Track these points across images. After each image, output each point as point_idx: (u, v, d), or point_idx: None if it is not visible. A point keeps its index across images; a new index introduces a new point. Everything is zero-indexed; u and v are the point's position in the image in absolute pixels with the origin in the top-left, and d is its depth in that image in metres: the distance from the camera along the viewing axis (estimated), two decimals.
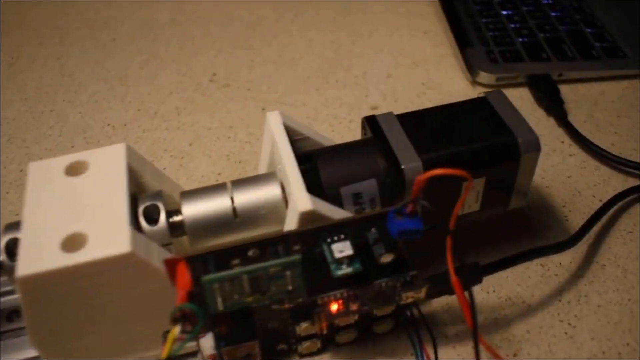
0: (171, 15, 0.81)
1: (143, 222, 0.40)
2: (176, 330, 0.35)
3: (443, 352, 0.46)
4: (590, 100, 0.66)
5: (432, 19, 0.79)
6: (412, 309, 0.47)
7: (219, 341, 0.41)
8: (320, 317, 0.40)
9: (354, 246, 0.38)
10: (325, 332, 0.44)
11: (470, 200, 0.44)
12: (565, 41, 0.69)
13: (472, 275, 0.41)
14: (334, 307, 0.40)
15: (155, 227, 0.40)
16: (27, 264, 0.36)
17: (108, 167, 0.41)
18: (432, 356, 0.45)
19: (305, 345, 0.45)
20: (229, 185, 0.42)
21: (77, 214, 0.38)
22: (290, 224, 0.39)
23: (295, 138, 0.45)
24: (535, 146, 0.43)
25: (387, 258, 0.38)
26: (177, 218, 0.42)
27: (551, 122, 0.63)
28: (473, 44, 0.69)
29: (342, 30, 0.78)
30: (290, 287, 0.37)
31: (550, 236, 0.53)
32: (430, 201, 0.40)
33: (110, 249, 0.36)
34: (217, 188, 0.42)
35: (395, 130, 0.43)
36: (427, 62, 0.72)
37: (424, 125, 0.44)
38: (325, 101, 0.67)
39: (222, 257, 0.37)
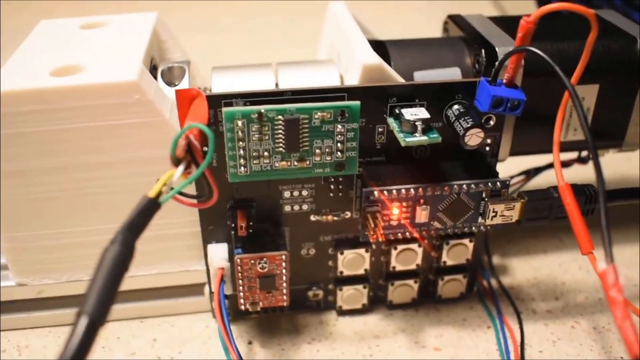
0: None
1: (161, 83, 0.32)
2: (177, 170, 0.25)
3: (531, 329, 0.34)
4: None
5: None
6: (489, 278, 0.36)
7: (235, 242, 0.30)
8: (374, 221, 0.29)
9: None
10: (374, 273, 0.33)
11: (576, 117, 0.34)
12: None
13: (588, 195, 0.31)
14: (395, 210, 0.29)
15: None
16: (3, 82, 0.27)
17: (131, 27, 0.34)
18: (517, 332, 0.33)
19: (346, 293, 0.33)
20: (273, 65, 0.33)
21: (81, 53, 0.30)
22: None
23: None
24: None
25: (475, 139, 0.28)
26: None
27: None
28: None
29: None
30: (339, 153, 0.27)
31: None
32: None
33: (110, 76, 0.28)
34: (258, 67, 0.33)
35: (488, 26, 0.35)
36: None
37: None
38: None
39: (255, 102, 0.28)
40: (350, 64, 0.30)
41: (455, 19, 0.36)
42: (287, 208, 0.31)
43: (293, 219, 0.31)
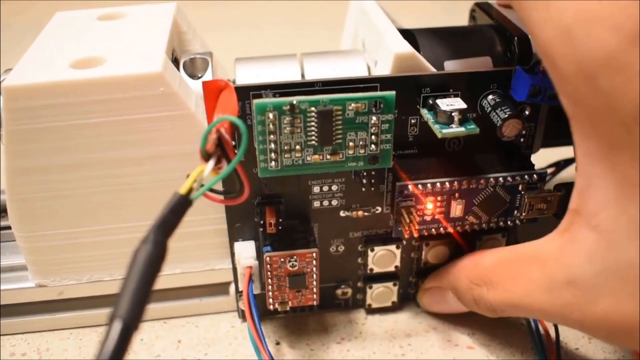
0: None
1: (183, 74, 0.31)
2: (207, 166, 0.24)
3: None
4: None
5: None
6: None
7: (264, 240, 0.29)
8: (409, 216, 0.28)
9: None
10: (404, 270, 0.32)
11: None
12: None
13: None
14: (430, 205, 0.28)
15: (198, 82, 0.30)
16: (19, 76, 0.26)
17: (150, 17, 0.33)
18: (552, 329, 0.32)
19: (376, 291, 0.32)
20: (298, 56, 0.32)
21: (100, 44, 0.29)
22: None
23: None
24: None
25: (513, 129, 0.27)
26: None
27: None
28: None
29: None
30: (373, 146, 0.26)
31: None
32: None
33: (134, 68, 0.27)
34: (283, 58, 0.32)
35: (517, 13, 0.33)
36: None
37: None
38: None
39: (285, 94, 0.27)
40: (380, 53, 0.29)
41: (483, 7, 0.35)
42: (316, 204, 0.30)
43: (322, 215, 0.30)
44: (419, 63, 0.28)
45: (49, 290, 0.32)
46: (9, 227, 0.31)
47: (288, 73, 0.31)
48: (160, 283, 0.32)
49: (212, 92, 0.26)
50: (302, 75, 0.31)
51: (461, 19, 0.37)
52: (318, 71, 0.31)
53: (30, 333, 0.33)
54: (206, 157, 0.24)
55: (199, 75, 0.31)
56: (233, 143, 0.26)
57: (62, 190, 0.29)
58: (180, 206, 0.22)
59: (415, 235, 0.29)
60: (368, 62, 0.31)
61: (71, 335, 0.33)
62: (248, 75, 0.31)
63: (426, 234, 0.29)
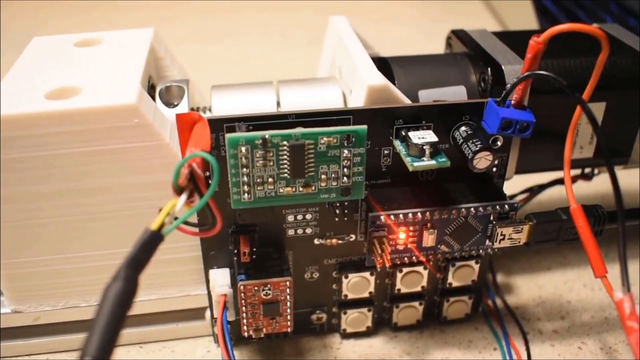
0: None
1: (160, 103, 0.31)
2: (180, 200, 0.24)
3: (538, 350, 0.33)
4: None
5: None
6: (494, 297, 0.36)
7: (238, 268, 0.29)
8: (381, 246, 0.29)
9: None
10: (378, 296, 0.33)
11: (583, 135, 0.33)
12: None
13: (597, 217, 0.30)
14: (402, 235, 0.29)
15: (174, 111, 0.31)
16: None
17: (127, 44, 0.33)
18: (524, 354, 0.32)
19: (351, 316, 0.33)
20: (274, 84, 0.33)
21: (76, 73, 0.30)
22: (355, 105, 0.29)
23: None
24: None
25: (484, 162, 0.27)
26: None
27: None
28: None
29: None
30: (345, 179, 0.27)
31: None
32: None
33: (108, 99, 0.27)
34: (259, 86, 0.32)
35: (493, 42, 0.34)
36: None
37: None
38: None
39: (258, 126, 0.27)
40: (355, 83, 0.30)
41: (459, 35, 0.35)
42: (291, 232, 0.30)
43: (296, 243, 0.31)
44: (392, 94, 0.28)
45: (24, 316, 0.32)
46: None
47: (264, 102, 0.31)
48: (137, 308, 0.32)
49: (186, 125, 0.26)
50: (278, 103, 0.31)
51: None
52: (294, 100, 0.31)
53: (6, 358, 0.33)
54: (178, 191, 0.24)
55: (175, 103, 0.31)
56: (207, 173, 0.27)
57: (38, 219, 0.29)
58: (151, 242, 0.23)
59: (388, 264, 0.29)
60: (344, 90, 0.32)
61: None
62: (224, 105, 0.31)
63: (398, 262, 0.30)
